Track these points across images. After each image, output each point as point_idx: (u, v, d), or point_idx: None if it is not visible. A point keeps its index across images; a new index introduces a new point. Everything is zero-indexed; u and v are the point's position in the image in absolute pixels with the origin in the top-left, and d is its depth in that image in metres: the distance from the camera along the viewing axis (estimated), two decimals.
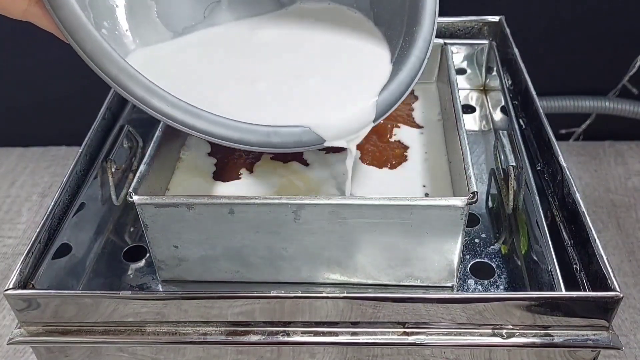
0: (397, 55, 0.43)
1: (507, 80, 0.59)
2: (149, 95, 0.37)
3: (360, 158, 0.48)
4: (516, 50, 0.58)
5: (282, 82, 0.43)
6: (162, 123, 0.46)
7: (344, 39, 0.46)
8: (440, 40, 0.55)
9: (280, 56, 0.45)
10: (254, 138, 0.38)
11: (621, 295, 0.37)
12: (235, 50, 0.45)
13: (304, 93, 0.42)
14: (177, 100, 0.37)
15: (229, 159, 0.49)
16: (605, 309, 0.37)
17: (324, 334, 0.39)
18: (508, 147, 0.47)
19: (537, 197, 0.46)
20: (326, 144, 0.39)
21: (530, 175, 0.48)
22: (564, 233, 0.44)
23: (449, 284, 0.42)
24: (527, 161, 0.49)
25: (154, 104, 0.37)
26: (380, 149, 0.49)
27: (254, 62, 0.44)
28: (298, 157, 0.48)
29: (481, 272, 0.44)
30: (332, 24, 0.47)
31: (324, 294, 0.38)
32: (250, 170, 0.47)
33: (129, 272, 0.45)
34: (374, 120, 0.40)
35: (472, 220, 0.48)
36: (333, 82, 0.43)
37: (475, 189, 0.38)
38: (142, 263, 0.46)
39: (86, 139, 0.50)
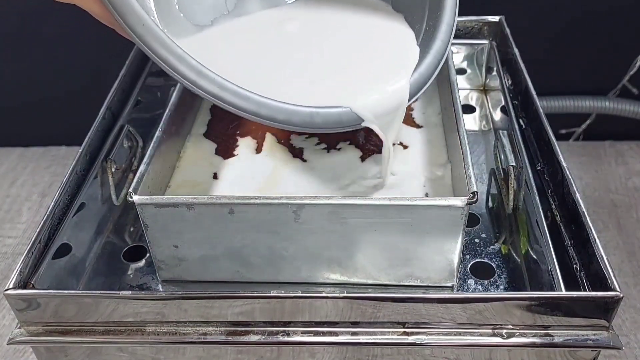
0: (421, 39, 0.44)
1: (507, 80, 0.59)
2: (200, 77, 0.38)
3: (360, 157, 0.48)
4: (516, 50, 0.58)
5: (318, 65, 0.44)
6: (162, 123, 0.46)
7: (371, 23, 0.48)
8: None
9: (313, 41, 0.46)
10: (298, 119, 0.39)
11: (621, 295, 0.37)
12: (268, 38, 0.47)
13: (341, 75, 0.43)
14: (226, 82, 0.38)
15: (229, 157, 0.49)
16: (605, 309, 0.37)
17: (324, 333, 0.39)
18: (508, 147, 0.47)
19: (537, 197, 0.46)
20: (364, 124, 0.40)
21: (531, 175, 0.48)
22: (564, 233, 0.44)
23: (449, 284, 0.42)
24: (527, 161, 0.49)
25: (204, 86, 0.38)
26: (381, 149, 0.49)
27: (289, 47, 0.46)
28: (299, 156, 0.49)
29: (481, 272, 0.44)
30: (355, 9, 0.48)
31: (324, 294, 0.38)
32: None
33: (129, 272, 0.45)
34: (408, 100, 0.42)
35: (472, 220, 0.48)
36: (367, 64, 0.44)
37: (475, 189, 0.38)
38: (142, 263, 0.46)
39: (86, 138, 0.50)
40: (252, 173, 0.47)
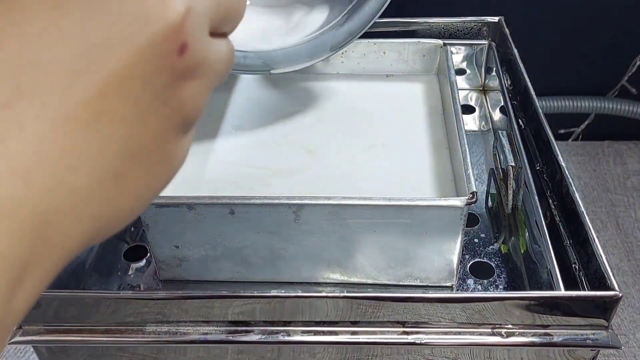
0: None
1: (507, 80, 0.59)
2: None
3: None
4: (515, 51, 0.58)
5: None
6: None
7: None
8: (440, 41, 0.56)
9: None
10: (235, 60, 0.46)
11: (620, 294, 0.37)
12: None
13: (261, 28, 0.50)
14: None
15: None
16: (604, 309, 0.37)
17: (324, 333, 0.40)
18: (507, 147, 0.47)
19: (536, 197, 0.46)
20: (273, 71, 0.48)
21: (530, 175, 0.48)
22: (563, 233, 0.44)
23: (449, 284, 0.42)
24: (526, 161, 0.49)
25: None
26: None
27: None
28: None
29: (480, 271, 0.44)
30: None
31: (324, 294, 0.39)
32: None
33: (130, 272, 0.45)
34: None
35: (471, 220, 0.48)
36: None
37: (474, 189, 0.38)
38: (142, 263, 0.46)
39: None
40: None
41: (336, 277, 0.42)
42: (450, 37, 0.63)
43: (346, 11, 0.48)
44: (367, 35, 0.57)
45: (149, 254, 0.46)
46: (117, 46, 0.18)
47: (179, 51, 0.19)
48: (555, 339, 0.39)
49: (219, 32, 0.22)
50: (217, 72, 0.22)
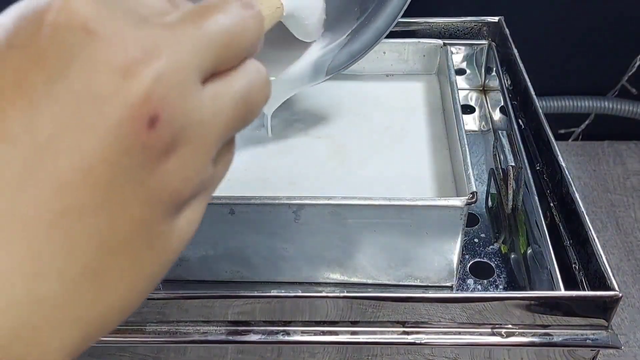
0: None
1: (507, 80, 0.59)
2: None
3: None
4: (515, 51, 0.58)
5: None
6: None
7: None
8: (440, 41, 0.56)
9: None
10: None
11: (620, 294, 0.37)
12: None
13: None
14: None
15: None
16: (604, 309, 0.37)
17: (324, 333, 0.40)
18: (507, 147, 0.47)
19: (536, 197, 0.46)
20: None
21: (530, 175, 0.48)
22: (563, 233, 0.44)
23: (449, 284, 0.42)
24: (526, 161, 0.49)
25: None
26: None
27: None
28: None
29: (480, 271, 0.44)
30: None
31: (324, 294, 0.39)
32: None
33: None
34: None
35: (471, 220, 0.48)
36: None
37: (474, 189, 0.38)
38: None
39: None
40: None
41: (336, 277, 0.42)
42: (450, 37, 0.63)
43: (349, 33, 0.46)
44: None
45: None
46: (72, 135, 0.16)
47: (148, 125, 0.16)
48: (555, 339, 0.39)
49: (225, 69, 0.19)
50: (218, 125, 0.18)
